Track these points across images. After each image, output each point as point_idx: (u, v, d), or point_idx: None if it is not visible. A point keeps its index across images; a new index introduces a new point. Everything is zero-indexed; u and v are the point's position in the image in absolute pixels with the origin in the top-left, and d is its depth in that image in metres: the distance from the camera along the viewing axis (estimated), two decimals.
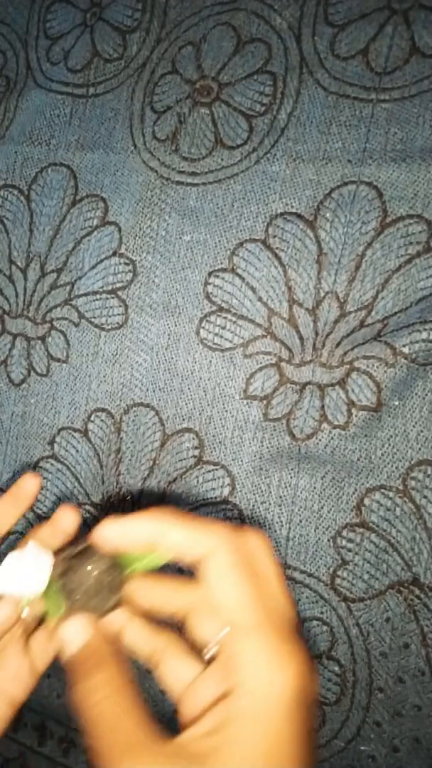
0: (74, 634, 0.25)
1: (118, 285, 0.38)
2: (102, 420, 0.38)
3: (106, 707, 0.22)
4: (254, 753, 0.21)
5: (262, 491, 0.34)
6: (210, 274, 0.36)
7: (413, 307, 0.31)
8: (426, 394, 0.31)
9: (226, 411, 0.35)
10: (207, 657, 0.24)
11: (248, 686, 0.22)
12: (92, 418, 0.38)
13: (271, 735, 0.21)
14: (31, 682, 0.29)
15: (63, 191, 0.40)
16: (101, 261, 0.38)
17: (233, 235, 0.35)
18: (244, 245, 0.35)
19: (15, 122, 0.42)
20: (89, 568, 0.25)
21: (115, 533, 0.25)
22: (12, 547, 0.32)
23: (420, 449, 0.31)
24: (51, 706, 0.38)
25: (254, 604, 0.23)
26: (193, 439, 0.36)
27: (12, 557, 0.27)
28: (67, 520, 0.30)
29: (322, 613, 0.33)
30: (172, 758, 0.21)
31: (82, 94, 0.40)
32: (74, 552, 0.26)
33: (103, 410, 0.38)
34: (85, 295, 0.39)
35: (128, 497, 0.37)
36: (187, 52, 0.37)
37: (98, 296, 0.38)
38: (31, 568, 0.27)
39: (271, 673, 0.22)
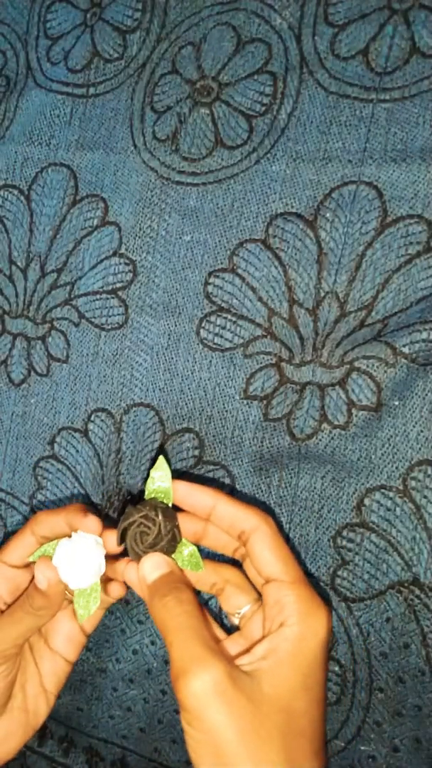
0: (153, 566, 0.30)
1: (118, 285, 0.38)
2: (102, 420, 0.38)
3: (185, 619, 0.27)
4: (297, 673, 0.26)
5: (262, 491, 0.34)
6: (210, 274, 0.36)
7: (413, 307, 0.31)
8: (426, 394, 0.31)
9: (226, 411, 0.35)
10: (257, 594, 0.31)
11: (295, 619, 0.27)
12: (92, 418, 0.38)
13: (310, 661, 0.27)
14: (82, 642, 0.34)
15: (63, 191, 0.40)
16: (101, 261, 0.38)
17: (233, 235, 0.35)
18: (244, 245, 0.35)
19: (15, 122, 0.42)
20: (156, 520, 0.30)
21: (185, 492, 0.31)
22: None
23: (420, 449, 0.31)
24: None
25: (294, 563, 0.29)
26: (193, 439, 0.36)
27: (65, 551, 0.30)
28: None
29: None
30: (236, 670, 0.26)
31: (82, 94, 0.40)
32: (136, 512, 0.31)
33: (103, 410, 0.38)
34: (85, 295, 0.39)
35: (128, 497, 0.37)
36: (187, 52, 0.37)
37: (98, 296, 0.38)
38: (89, 555, 0.30)
39: (312, 614, 0.27)
